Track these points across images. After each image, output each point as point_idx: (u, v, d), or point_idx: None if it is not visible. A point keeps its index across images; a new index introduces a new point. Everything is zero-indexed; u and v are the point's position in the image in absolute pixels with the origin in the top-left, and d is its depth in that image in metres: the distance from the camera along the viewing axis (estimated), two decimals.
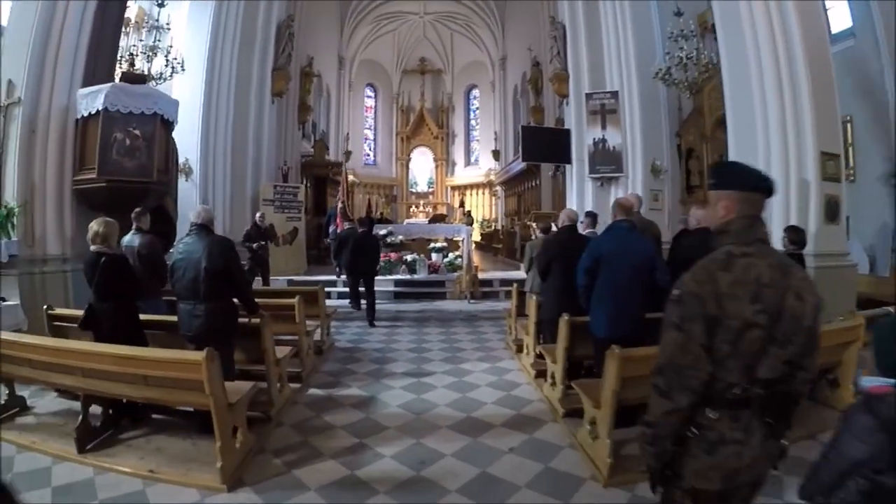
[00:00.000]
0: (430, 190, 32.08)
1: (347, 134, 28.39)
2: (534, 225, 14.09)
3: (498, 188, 27.80)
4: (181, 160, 12.67)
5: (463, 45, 30.86)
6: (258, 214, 11.25)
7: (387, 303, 11.97)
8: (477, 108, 32.47)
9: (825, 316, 6.11)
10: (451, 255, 13.90)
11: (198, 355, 3.80)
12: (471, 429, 5.06)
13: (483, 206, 30.01)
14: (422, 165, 32.40)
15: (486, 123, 31.07)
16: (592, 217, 7.31)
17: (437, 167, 32.16)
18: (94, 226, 4.86)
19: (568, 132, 14.84)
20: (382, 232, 14.33)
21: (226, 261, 4.61)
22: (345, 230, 12.61)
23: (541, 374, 6.43)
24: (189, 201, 12.71)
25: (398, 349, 8.15)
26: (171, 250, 6.81)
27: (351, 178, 25.92)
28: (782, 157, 8.27)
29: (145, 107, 7.81)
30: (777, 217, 7.71)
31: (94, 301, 4.88)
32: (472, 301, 11.72)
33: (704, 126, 13.96)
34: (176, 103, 8.64)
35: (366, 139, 31.83)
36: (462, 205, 28.85)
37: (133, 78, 8.32)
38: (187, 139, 12.83)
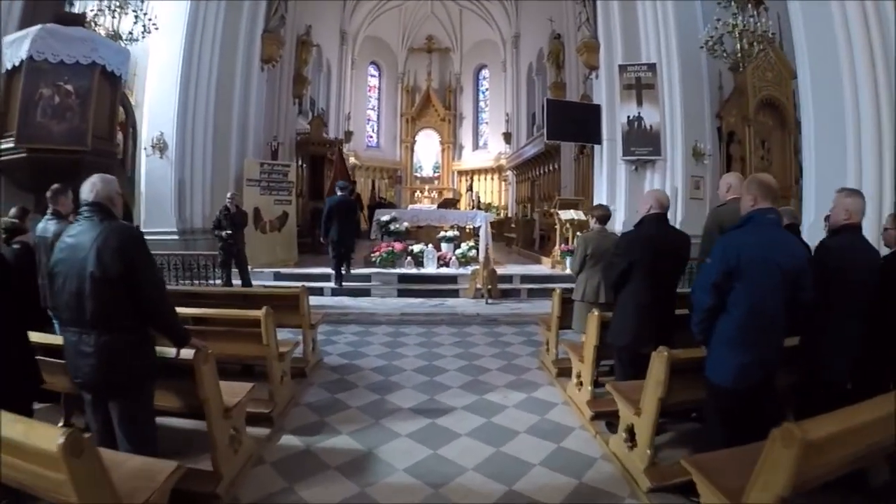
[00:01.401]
0: (436, 175, 30.22)
1: (349, 113, 26.52)
2: (558, 213, 12.37)
3: (509, 173, 25.99)
4: (155, 134, 11.12)
5: (473, 23, 28.86)
6: (228, 195, 9.45)
7: (390, 300, 10.22)
8: (486, 90, 30.52)
9: None
10: (463, 246, 12.13)
11: (51, 440, 2.07)
12: None
13: (492, 192, 28.18)
14: (427, 149, 30.45)
15: (496, 105, 29.13)
16: None
17: (443, 151, 30.24)
18: None
19: (598, 108, 13.08)
20: (385, 218, 12.57)
21: (126, 263, 2.78)
22: (330, 197, 11.49)
23: (600, 415, 4.76)
24: (163, 182, 11.17)
25: (403, 368, 6.39)
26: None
27: (352, 160, 24.15)
28: (875, 149, 7.44)
29: (81, 55, 6.04)
30: (872, 218, 6.09)
31: None
32: (490, 301, 9.95)
33: (747, 107, 12.35)
34: (124, 52, 6.84)
35: (368, 120, 29.87)
36: (470, 189, 27.02)
37: (67, 18, 6.47)
38: (163, 110, 11.29)
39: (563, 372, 5.97)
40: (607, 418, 4.73)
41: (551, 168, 18.79)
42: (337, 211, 10.47)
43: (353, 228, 11.34)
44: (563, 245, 12.05)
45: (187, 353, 3.28)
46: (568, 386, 5.53)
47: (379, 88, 30.46)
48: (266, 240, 11.63)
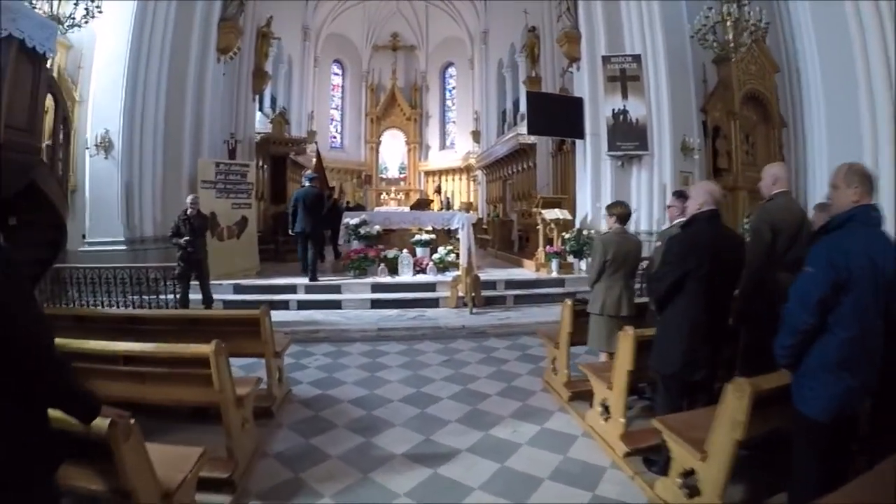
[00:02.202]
0: (402, 176, 29.32)
1: (311, 113, 25.38)
2: (541, 212, 11.56)
3: (478, 173, 25.24)
4: (99, 131, 10.06)
5: (439, 20, 28.15)
6: (189, 198, 8.37)
7: (364, 312, 9.23)
8: (453, 88, 29.81)
9: None
10: (440, 250, 11.21)
11: None
12: None
13: (460, 193, 27.34)
14: (393, 149, 29.55)
15: (463, 104, 28.50)
16: (685, 199, 4.82)
17: (409, 151, 29.39)
18: None
19: (580, 101, 12.31)
20: (355, 221, 11.56)
21: None
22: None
23: (635, 451, 3.99)
24: (108, 186, 10.15)
25: (388, 398, 5.40)
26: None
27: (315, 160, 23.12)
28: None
29: None
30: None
31: None
32: (475, 310, 9.05)
33: (733, 101, 11.86)
34: (51, 27, 5.64)
35: (332, 120, 28.78)
36: (438, 191, 26.14)
37: None
38: (109, 104, 10.23)
39: (577, 395, 5.13)
40: (643, 454, 3.97)
41: (526, 166, 18.07)
42: (303, 202, 10.33)
43: (322, 219, 10.94)
44: (547, 246, 11.25)
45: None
46: (588, 414, 4.67)
47: (342, 87, 29.45)
48: (224, 248, 10.44)
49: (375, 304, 9.56)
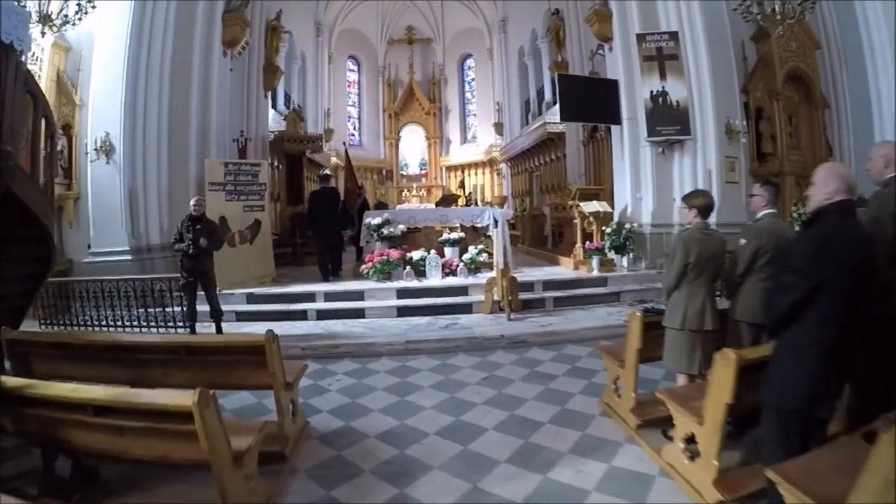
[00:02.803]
0: (423, 172, 28.49)
1: (328, 110, 24.68)
2: (579, 205, 10.70)
3: (502, 166, 24.33)
4: (100, 134, 9.47)
5: (455, 11, 27.26)
6: (193, 200, 7.62)
7: (389, 321, 8.46)
8: (472, 80, 28.95)
9: None
10: (471, 250, 10.37)
11: None
12: None
13: (484, 188, 26.51)
14: (413, 145, 28.69)
15: (483, 96, 27.63)
16: (772, 187, 3.99)
17: (429, 146, 28.51)
18: None
19: (615, 84, 11.38)
20: (377, 220, 10.78)
21: None
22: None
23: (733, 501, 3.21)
24: (111, 192, 9.57)
25: (423, 430, 4.58)
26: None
27: (333, 160, 22.36)
28: None
29: None
30: None
31: None
32: (512, 316, 8.22)
33: (774, 80, 10.92)
34: (21, 14, 4.91)
35: (349, 117, 28.06)
36: (462, 186, 25.26)
37: None
38: (109, 105, 9.62)
39: (646, 423, 4.30)
40: (740, 501, 3.21)
41: (554, 156, 17.09)
42: (316, 203, 10.73)
43: (334, 218, 10.98)
44: (587, 242, 10.39)
45: None
46: (666, 450, 3.83)
47: (359, 84, 28.74)
48: (236, 254, 9.72)
49: (402, 311, 8.77)
